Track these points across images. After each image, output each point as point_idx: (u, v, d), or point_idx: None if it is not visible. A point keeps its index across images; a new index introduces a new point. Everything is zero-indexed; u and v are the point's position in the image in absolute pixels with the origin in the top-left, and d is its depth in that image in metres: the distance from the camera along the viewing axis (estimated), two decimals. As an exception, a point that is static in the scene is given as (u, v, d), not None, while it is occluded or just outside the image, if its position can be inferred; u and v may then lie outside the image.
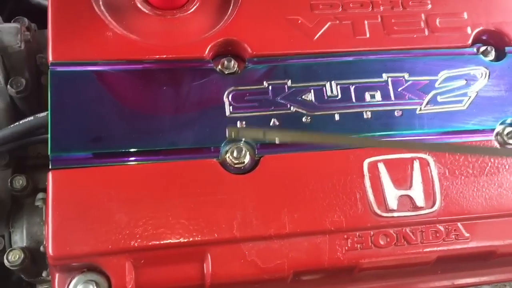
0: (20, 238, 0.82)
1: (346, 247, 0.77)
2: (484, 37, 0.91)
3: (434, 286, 0.87)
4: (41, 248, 0.80)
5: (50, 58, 0.79)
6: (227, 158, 0.78)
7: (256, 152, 0.79)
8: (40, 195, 0.82)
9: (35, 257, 0.81)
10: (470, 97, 0.86)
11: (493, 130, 0.85)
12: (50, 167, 0.74)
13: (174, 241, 0.74)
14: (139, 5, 0.86)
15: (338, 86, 0.84)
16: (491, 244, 0.81)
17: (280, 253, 0.76)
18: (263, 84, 0.83)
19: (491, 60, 0.90)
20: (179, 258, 0.74)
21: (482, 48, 0.90)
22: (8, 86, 0.84)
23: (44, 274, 0.82)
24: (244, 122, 0.80)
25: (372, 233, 0.78)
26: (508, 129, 0.85)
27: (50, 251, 0.71)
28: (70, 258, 0.71)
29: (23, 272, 0.82)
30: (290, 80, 0.83)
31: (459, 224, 0.80)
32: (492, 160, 0.83)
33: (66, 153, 0.75)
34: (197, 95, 0.81)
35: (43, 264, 0.82)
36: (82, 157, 0.75)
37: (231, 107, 0.81)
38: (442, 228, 0.80)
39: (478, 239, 0.81)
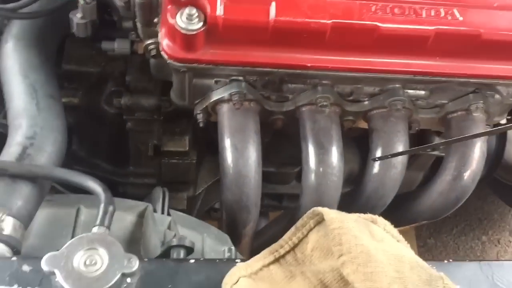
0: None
1: (371, 12, 1.09)
2: None
3: (432, 70, 1.17)
4: (155, 0, 1.14)
5: None
6: None
7: None
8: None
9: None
10: None
11: None
12: None
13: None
14: None
15: None
16: (477, 29, 1.11)
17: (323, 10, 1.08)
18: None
19: None
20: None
21: None
22: None
23: (155, 20, 1.15)
24: None
25: (390, 5, 1.10)
26: None
27: (166, -18, 1.05)
28: (181, -12, 1.06)
29: (143, 11, 1.15)
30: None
31: (455, 9, 1.11)
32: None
33: None
34: None
35: (155, 13, 1.16)
36: None
37: None
38: (442, 10, 1.11)
39: (468, 23, 1.11)
